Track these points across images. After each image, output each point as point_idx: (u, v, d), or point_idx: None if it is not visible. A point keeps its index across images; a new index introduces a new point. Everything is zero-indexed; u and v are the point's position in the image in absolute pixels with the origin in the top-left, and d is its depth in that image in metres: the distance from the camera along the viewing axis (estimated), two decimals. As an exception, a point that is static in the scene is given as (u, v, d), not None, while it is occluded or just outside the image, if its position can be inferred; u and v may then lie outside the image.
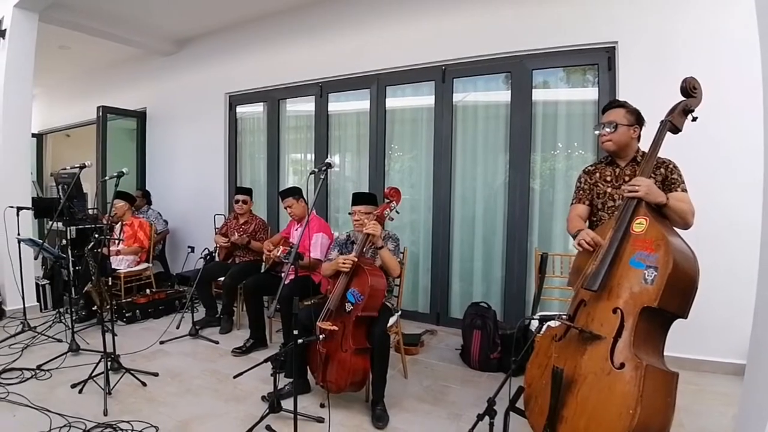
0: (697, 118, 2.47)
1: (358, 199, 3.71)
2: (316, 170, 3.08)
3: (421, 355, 4.42)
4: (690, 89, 2.45)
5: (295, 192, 4.60)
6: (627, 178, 2.65)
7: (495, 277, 5.09)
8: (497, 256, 5.05)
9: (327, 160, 3.09)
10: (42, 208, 5.93)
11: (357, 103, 5.88)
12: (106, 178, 4.09)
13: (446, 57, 5.04)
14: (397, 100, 5.61)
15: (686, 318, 2.13)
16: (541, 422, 2.21)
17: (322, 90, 6.02)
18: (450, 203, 5.22)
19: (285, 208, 4.64)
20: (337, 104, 6.06)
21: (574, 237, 2.62)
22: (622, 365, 2.00)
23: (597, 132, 2.74)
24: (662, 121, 2.46)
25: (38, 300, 5.57)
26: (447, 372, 4.07)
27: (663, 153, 2.48)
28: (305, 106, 6.33)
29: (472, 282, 5.24)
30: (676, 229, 2.30)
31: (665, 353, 2.17)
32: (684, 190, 2.55)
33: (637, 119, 2.68)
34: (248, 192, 5.38)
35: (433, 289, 5.37)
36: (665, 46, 3.98)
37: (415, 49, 5.21)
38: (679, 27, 3.94)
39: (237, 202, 5.25)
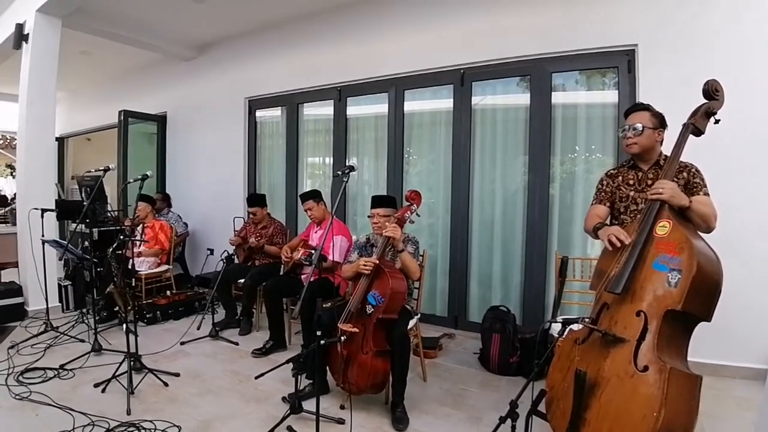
0: (719, 120, 2.46)
1: (378, 202, 3.71)
2: (339, 173, 3.10)
3: (439, 359, 4.43)
4: (712, 91, 2.44)
5: (315, 195, 4.64)
6: (650, 182, 2.64)
7: (514, 281, 5.08)
8: (516, 260, 5.03)
9: (349, 163, 3.12)
10: (64, 210, 6.02)
11: (375, 107, 5.91)
12: (131, 180, 4.15)
13: (465, 61, 5.05)
14: (415, 104, 5.62)
15: (710, 321, 2.12)
16: (563, 425, 2.21)
17: (340, 94, 6.05)
18: (468, 206, 5.21)
19: (305, 210, 4.68)
20: (355, 108, 6.08)
21: (593, 233, 2.63)
22: (645, 368, 2.00)
23: (621, 135, 2.74)
24: (684, 124, 2.46)
25: (60, 300, 5.65)
26: (466, 375, 4.07)
27: (686, 156, 2.47)
28: (324, 110, 6.36)
29: (490, 286, 5.22)
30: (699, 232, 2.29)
31: (686, 358, 2.16)
32: (706, 194, 2.54)
33: (661, 123, 2.68)
34: (260, 201, 5.39)
35: (452, 293, 5.36)
36: (686, 48, 3.96)
37: (433, 53, 5.22)
38: (700, 29, 3.91)
39: (250, 214, 5.33)
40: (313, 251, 4.12)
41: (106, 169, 4.27)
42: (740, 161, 3.73)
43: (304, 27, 6.17)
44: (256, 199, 5.40)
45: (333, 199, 3.29)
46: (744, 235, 3.63)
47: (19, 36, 5.55)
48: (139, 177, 3.90)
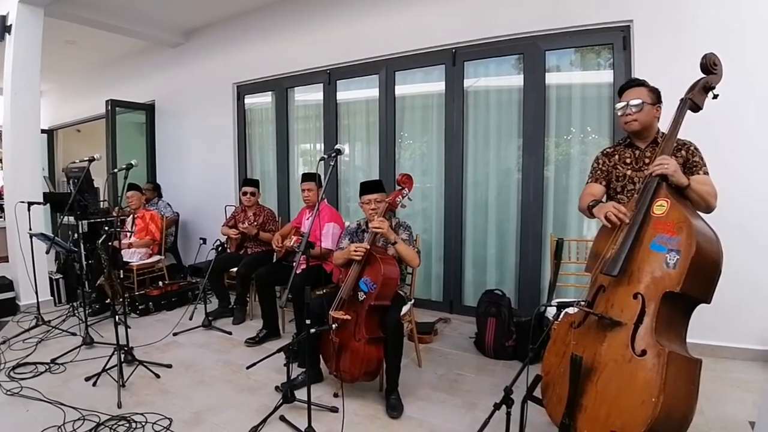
0: (718, 95, 2.39)
1: (368, 188, 3.60)
2: (326, 156, 3.03)
3: (434, 344, 4.39)
4: (710, 66, 2.36)
5: (317, 178, 4.55)
6: (647, 161, 2.57)
7: (509, 264, 5.03)
8: (511, 243, 4.98)
9: (336, 146, 3.04)
10: (54, 202, 5.94)
11: (366, 91, 5.81)
12: (116, 170, 4.09)
13: (456, 39, 4.94)
14: (406, 87, 5.52)
15: (709, 303, 2.06)
16: (559, 411, 2.16)
17: (330, 77, 5.94)
18: (462, 190, 5.15)
19: (303, 190, 4.58)
20: (346, 92, 5.98)
21: (588, 211, 2.56)
22: (643, 352, 1.94)
23: (620, 112, 2.64)
24: (682, 99, 2.38)
25: (52, 294, 5.60)
26: (461, 360, 4.03)
27: (683, 133, 2.40)
28: (314, 95, 6.26)
29: (485, 269, 5.18)
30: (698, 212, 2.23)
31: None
32: (706, 173, 2.47)
33: (658, 98, 2.60)
34: (256, 184, 5.36)
35: (446, 277, 5.31)
36: (682, 22, 3.86)
37: (424, 32, 5.11)
38: (696, 2, 3.82)
39: (245, 194, 5.23)
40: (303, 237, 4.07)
41: (91, 159, 4.19)
42: (739, 138, 3.67)
43: (290, 9, 6.05)
44: (253, 181, 5.40)
45: (321, 182, 3.22)
46: (742, 214, 3.56)
47: (2, 27, 5.44)
48: (124, 166, 3.81)
